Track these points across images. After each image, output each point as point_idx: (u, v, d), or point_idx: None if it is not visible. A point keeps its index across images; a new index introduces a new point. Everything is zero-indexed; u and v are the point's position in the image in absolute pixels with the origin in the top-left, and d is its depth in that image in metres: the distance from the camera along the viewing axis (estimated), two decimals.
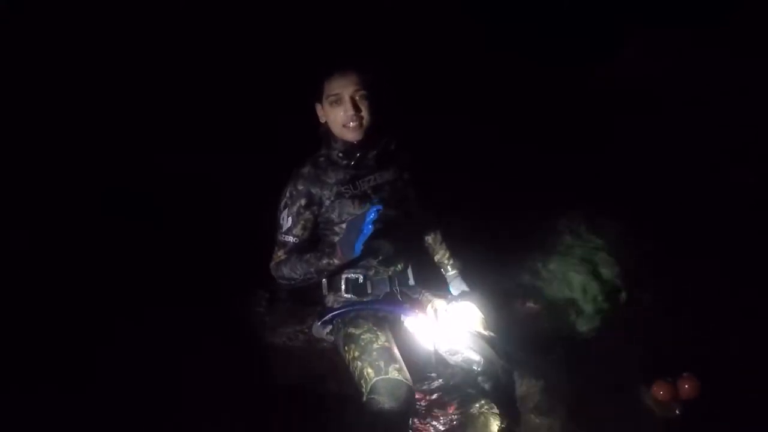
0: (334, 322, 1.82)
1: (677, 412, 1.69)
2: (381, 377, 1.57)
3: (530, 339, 1.91)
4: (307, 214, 1.80)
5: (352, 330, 1.74)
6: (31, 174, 2.59)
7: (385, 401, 1.54)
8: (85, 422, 1.69)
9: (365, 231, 1.60)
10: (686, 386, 1.69)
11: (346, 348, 1.73)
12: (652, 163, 2.93)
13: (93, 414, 1.70)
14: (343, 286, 1.83)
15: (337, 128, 1.76)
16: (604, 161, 2.93)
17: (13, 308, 2.02)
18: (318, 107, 1.80)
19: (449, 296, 1.94)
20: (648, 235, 2.43)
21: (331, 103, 1.73)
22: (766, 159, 2.76)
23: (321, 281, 1.88)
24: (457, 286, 2.02)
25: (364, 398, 1.58)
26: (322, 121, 1.81)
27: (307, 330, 1.97)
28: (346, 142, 1.77)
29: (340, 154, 1.79)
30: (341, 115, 1.72)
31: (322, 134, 1.83)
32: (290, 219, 1.78)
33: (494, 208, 2.64)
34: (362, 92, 1.71)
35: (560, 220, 2.53)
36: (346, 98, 1.70)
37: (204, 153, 2.82)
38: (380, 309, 1.80)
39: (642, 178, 2.83)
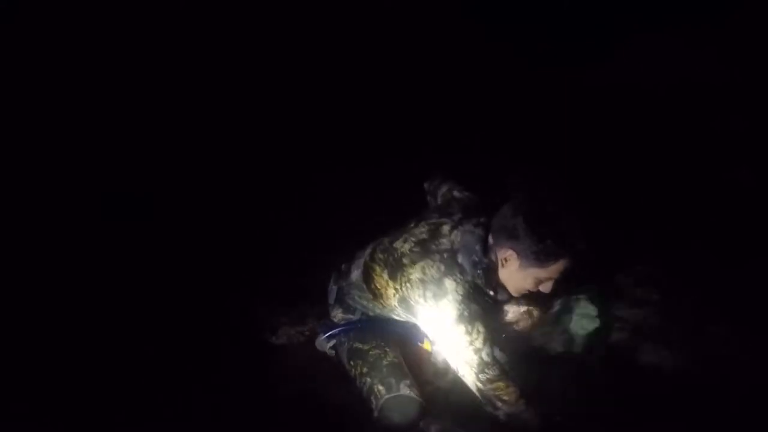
0: (338, 336, 1.78)
1: None
2: (393, 394, 1.57)
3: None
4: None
5: (358, 345, 1.71)
6: (31, 175, 2.60)
7: (397, 418, 1.55)
8: (84, 424, 1.67)
9: None
10: None
11: (351, 363, 1.70)
12: (650, 163, 2.94)
13: (93, 416, 1.69)
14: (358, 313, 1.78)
15: (512, 287, 1.60)
16: (603, 162, 2.93)
17: (14, 312, 2.01)
18: (511, 254, 1.51)
19: None
20: (647, 236, 2.44)
21: (535, 280, 1.54)
22: (766, 159, 2.77)
23: (328, 293, 1.84)
24: None
25: (375, 414, 1.58)
26: (501, 265, 1.55)
27: (307, 332, 1.97)
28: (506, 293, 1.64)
29: (492, 293, 1.62)
30: (530, 289, 1.58)
31: (485, 268, 1.57)
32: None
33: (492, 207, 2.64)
34: None
35: None
36: (551, 282, 1.56)
37: (206, 154, 2.82)
38: (389, 330, 1.75)
39: (640, 178, 2.84)
